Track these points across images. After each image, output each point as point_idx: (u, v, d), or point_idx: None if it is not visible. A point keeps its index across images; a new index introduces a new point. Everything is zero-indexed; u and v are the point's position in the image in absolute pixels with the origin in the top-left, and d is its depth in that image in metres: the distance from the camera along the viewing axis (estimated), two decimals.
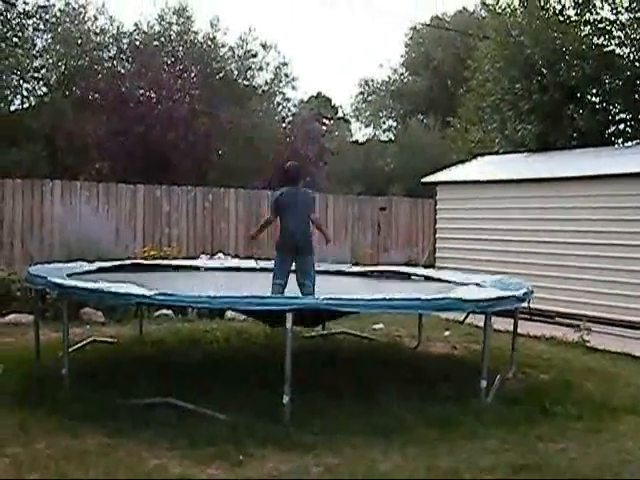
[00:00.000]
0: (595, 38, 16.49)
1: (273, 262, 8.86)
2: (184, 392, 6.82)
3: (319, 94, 38.12)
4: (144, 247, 15.51)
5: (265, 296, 6.81)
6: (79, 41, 21.53)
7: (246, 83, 24.72)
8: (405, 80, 38.00)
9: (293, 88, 26.58)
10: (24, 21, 19.94)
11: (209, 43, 23.37)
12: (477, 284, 8.84)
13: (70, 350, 7.61)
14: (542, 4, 16.83)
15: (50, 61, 21.71)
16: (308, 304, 6.98)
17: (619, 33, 16.34)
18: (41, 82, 21.99)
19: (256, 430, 6.07)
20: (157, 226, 16.71)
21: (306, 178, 8.52)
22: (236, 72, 24.34)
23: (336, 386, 7.29)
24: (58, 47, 21.40)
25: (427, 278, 10.51)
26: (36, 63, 21.37)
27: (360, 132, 40.64)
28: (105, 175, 19.31)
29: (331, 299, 6.75)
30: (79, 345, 9.08)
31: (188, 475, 5.26)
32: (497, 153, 17.28)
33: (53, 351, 8.38)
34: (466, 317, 11.12)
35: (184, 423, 6.22)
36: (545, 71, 16.27)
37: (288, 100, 26.68)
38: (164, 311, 12.21)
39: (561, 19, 16.62)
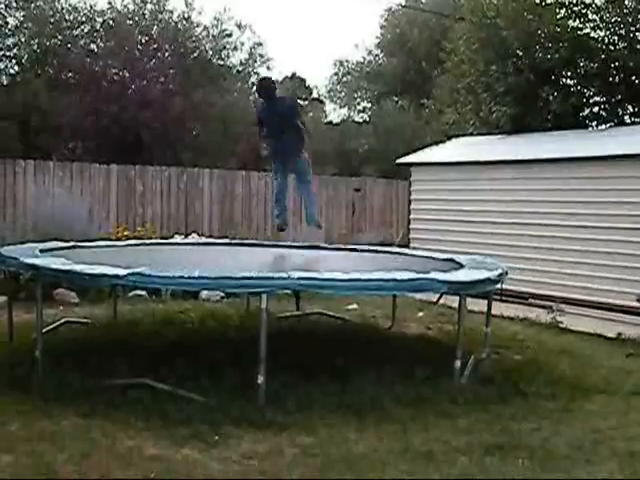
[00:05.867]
0: (570, 21, 16.50)
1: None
2: (158, 373, 6.81)
3: (294, 75, 37.95)
4: (117, 227, 15.42)
5: (240, 276, 6.75)
6: (52, 19, 21.25)
7: (221, 63, 24.53)
8: (380, 61, 37.82)
9: (268, 68, 26.36)
10: None
11: (184, 22, 23.12)
12: (452, 260, 8.91)
13: (43, 332, 7.56)
14: None
15: (22, 39, 21.41)
16: (282, 285, 6.96)
17: (594, 16, 16.35)
18: (13, 61, 21.70)
19: (231, 410, 6.08)
20: (131, 206, 16.60)
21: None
22: (211, 52, 24.15)
23: (310, 366, 7.28)
24: (30, 25, 21.12)
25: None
26: (8, 41, 21.08)
27: (334, 113, 40.58)
28: (78, 155, 19.15)
29: (305, 278, 6.75)
30: (52, 326, 9.02)
31: (163, 455, 5.26)
32: (471, 135, 17.28)
33: (26, 333, 8.30)
34: (439, 298, 11.18)
35: (159, 404, 6.21)
36: (520, 53, 16.28)
37: None
38: (138, 292, 12.16)
39: (537, 1, 16.60)
